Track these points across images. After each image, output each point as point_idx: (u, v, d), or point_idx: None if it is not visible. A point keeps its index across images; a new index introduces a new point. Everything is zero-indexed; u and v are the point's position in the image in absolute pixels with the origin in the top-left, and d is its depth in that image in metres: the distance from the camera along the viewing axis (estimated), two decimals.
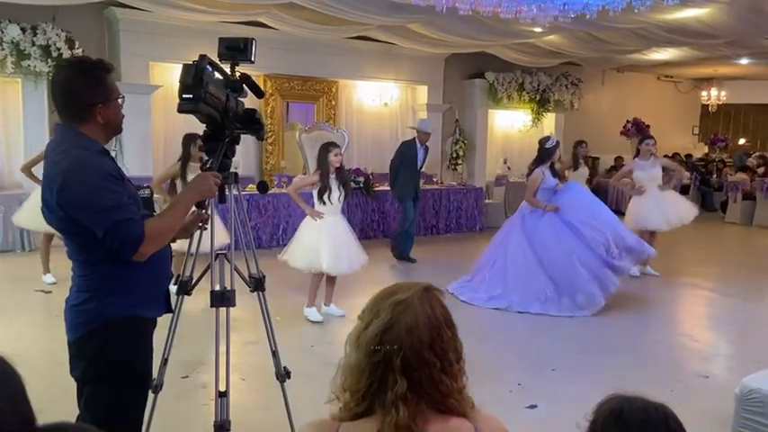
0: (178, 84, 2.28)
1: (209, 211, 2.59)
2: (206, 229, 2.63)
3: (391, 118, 12.24)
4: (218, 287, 2.65)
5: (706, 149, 16.94)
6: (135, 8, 8.57)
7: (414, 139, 8.48)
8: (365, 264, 5.70)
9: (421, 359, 1.21)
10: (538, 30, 9.00)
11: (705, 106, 16.72)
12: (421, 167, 8.57)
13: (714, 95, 16.11)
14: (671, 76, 16.17)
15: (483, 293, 6.33)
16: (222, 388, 2.70)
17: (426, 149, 8.58)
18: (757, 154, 15.78)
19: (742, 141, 17.92)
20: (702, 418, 3.52)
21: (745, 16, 8.20)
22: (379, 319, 1.24)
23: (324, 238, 5.41)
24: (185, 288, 2.75)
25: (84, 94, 2.13)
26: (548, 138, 6.56)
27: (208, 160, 2.48)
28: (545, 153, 6.36)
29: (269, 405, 3.84)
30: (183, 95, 2.25)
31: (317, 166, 5.59)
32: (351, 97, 11.79)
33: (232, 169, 2.64)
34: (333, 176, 5.45)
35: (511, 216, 6.97)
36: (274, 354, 3.09)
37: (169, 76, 9.91)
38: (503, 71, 12.51)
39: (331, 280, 5.68)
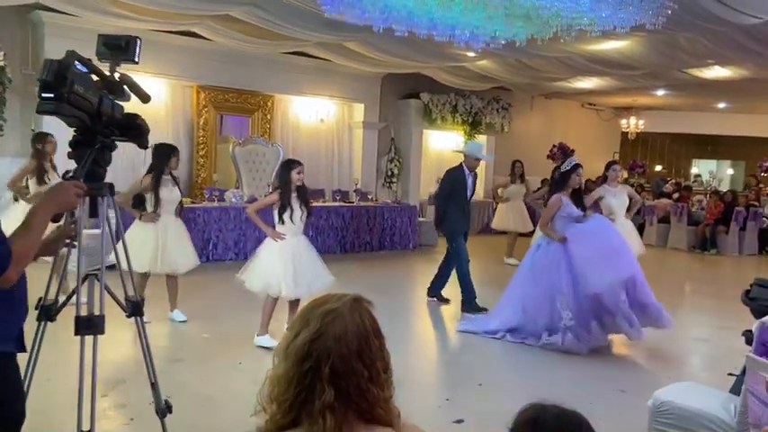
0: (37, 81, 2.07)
1: (81, 227, 2.35)
2: (74, 246, 2.38)
3: (327, 134, 12.28)
4: (85, 312, 2.39)
5: (625, 175, 17.84)
6: (62, 12, 8.26)
7: (461, 165, 7.20)
8: (329, 285, 5.19)
9: (349, 368, 1.23)
10: (471, 54, 9.29)
11: (625, 134, 17.65)
12: (470, 199, 7.27)
13: (633, 124, 17.04)
14: (594, 105, 17.01)
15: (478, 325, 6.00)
16: (86, 427, 2.40)
17: (475, 177, 7.29)
18: (673, 181, 16.78)
19: (658, 168, 19.02)
20: (619, 430, 3.69)
21: (661, 50, 8.76)
22: (308, 328, 1.25)
23: (284, 261, 5.10)
24: (48, 313, 2.45)
25: None
26: (563, 162, 5.99)
27: (71, 169, 2.26)
28: (561, 177, 5.79)
29: (193, 425, 3.74)
30: (43, 95, 2.04)
31: (276, 184, 5.28)
32: (287, 112, 11.75)
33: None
34: (294, 195, 5.17)
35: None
36: (153, 386, 2.83)
37: None
38: (437, 93, 12.82)
39: (294, 304, 5.31)
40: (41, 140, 6.01)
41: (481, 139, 13.99)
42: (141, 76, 9.79)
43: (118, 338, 5.40)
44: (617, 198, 7.05)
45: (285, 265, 5.09)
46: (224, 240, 9.06)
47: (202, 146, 10.57)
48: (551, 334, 5.39)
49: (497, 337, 5.68)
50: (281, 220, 5.16)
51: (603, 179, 7.48)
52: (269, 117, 11.30)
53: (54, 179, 5.95)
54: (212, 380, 4.47)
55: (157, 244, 5.55)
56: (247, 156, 10.36)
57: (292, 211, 5.14)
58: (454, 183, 7.13)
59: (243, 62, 10.36)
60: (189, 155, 10.49)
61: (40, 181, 5.94)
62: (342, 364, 1.23)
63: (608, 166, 7.49)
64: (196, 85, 10.38)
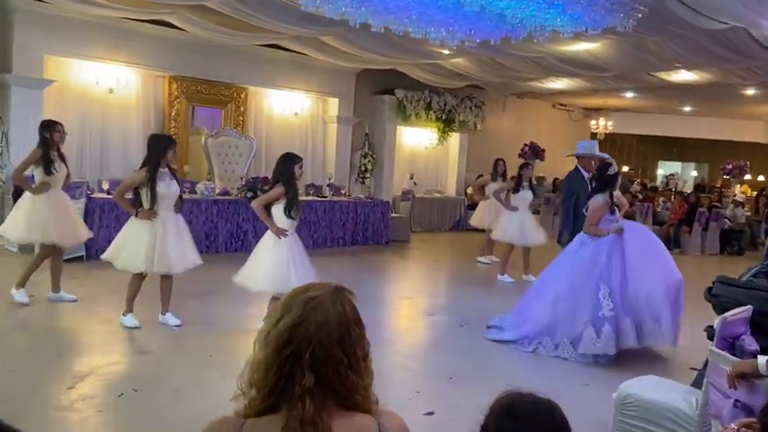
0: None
1: None
2: None
3: (301, 128, 12.23)
4: None
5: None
6: None
7: (576, 167, 6.60)
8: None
9: (329, 354, 1.25)
10: (446, 52, 9.34)
11: (594, 134, 17.94)
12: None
13: (602, 125, 17.34)
14: (565, 105, 17.27)
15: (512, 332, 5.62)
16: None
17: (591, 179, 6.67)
18: (639, 181, 17.17)
19: (625, 169, 19.40)
20: (584, 422, 3.76)
21: (631, 53, 8.94)
22: (290, 314, 1.27)
23: (287, 257, 5.03)
24: None
25: None
26: (609, 164, 5.77)
27: None
28: (607, 180, 5.61)
29: (162, 417, 3.71)
30: None
31: (277, 178, 5.10)
32: (261, 105, 11.66)
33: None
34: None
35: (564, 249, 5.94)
36: None
37: (66, 70, 9.40)
38: (412, 89, 12.86)
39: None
40: (49, 129, 5.68)
41: (454, 136, 14.12)
42: (113, 65, 9.68)
43: (85, 329, 5.33)
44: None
45: (289, 261, 5.03)
46: (195, 233, 8.88)
47: (174, 137, 10.40)
48: (596, 330, 5.12)
49: (529, 350, 5.38)
50: (291, 217, 5.08)
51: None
52: (242, 109, 11.20)
53: (62, 169, 5.75)
54: (182, 372, 4.44)
55: (154, 243, 5.15)
56: (220, 148, 10.26)
57: (297, 206, 5.08)
58: (579, 188, 6.42)
59: (217, 53, 10.25)
60: None
61: (47, 171, 5.63)
62: (322, 350, 1.25)
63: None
64: (168, 75, 10.24)
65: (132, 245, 5.23)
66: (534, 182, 9.14)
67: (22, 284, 5.71)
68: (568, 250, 5.71)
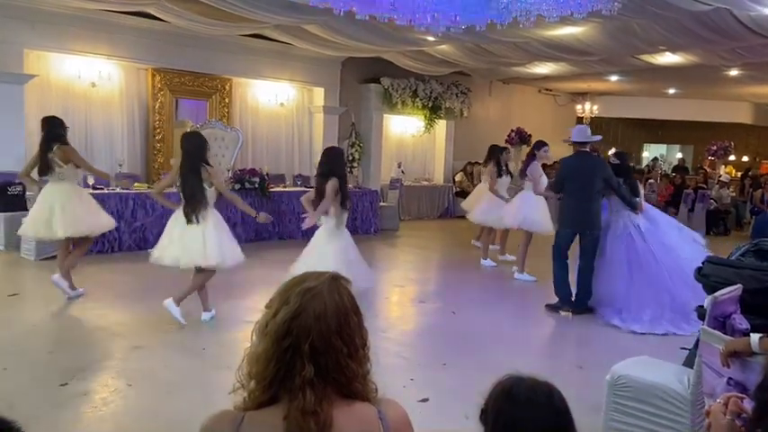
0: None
1: None
2: None
3: (287, 118, 12.16)
4: None
5: None
6: None
7: (588, 152, 6.53)
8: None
9: (328, 345, 1.25)
10: (431, 38, 9.30)
11: (580, 118, 18.03)
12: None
13: (588, 109, 17.41)
14: (550, 90, 17.29)
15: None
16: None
17: None
18: None
19: (611, 152, 19.51)
20: (578, 404, 3.78)
21: (616, 36, 8.95)
22: (288, 306, 1.26)
23: (348, 251, 5.20)
24: None
25: None
26: (625, 153, 6.58)
27: None
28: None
29: (156, 411, 3.69)
30: None
31: (326, 171, 5.20)
32: (245, 96, 11.57)
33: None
34: None
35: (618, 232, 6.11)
36: None
37: (47, 65, 9.26)
38: (398, 77, 12.81)
39: None
40: (64, 126, 5.73)
41: (441, 123, 14.09)
42: (95, 59, 9.54)
43: (76, 325, 5.29)
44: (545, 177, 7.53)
45: (350, 254, 5.13)
46: None
47: (158, 130, 10.32)
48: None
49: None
50: (345, 208, 5.15)
51: (532, 157, 7.90)
52: (227, 101, 11.11)
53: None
54: (175, 366, 4.42)
55: (203, 238, 5.14)
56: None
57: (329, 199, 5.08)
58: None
59: (200, 44, 10.14)
60: (144, 140, 10.25)
61: (43, 171, 5.63)
62: (321, 341, 1.24)
63: (537, 147, 7.89)
64: (151, 67, 10.12)
65: (184, 244, 5.19)
66: (511, 166, 9.21)
67: (66, 277, 5.72)
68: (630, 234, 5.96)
